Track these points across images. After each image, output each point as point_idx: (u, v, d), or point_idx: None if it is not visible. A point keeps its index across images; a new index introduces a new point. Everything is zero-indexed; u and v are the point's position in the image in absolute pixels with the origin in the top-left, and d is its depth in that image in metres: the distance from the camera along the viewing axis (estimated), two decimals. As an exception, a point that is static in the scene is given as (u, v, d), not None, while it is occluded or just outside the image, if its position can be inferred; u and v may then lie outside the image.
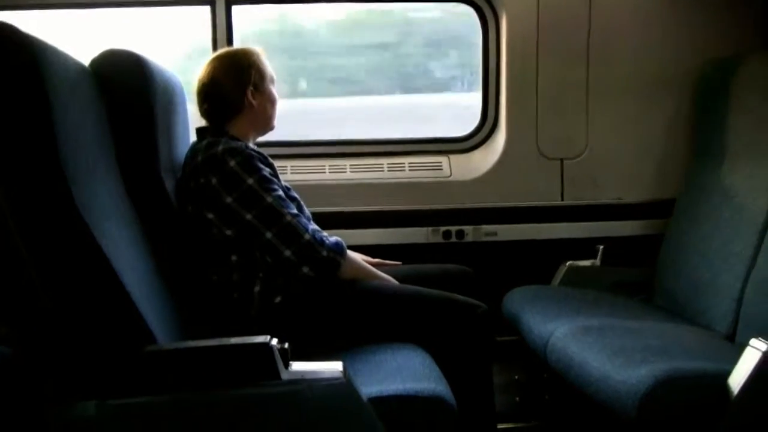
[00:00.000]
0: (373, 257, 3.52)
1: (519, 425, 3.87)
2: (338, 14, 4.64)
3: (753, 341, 2.34)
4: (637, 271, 4.05)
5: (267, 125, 3.36)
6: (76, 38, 3.96)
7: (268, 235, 2.92)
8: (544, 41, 4.10)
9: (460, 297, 3.10)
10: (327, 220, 3.40)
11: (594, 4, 4.08)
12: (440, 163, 4.25)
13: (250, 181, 2.95)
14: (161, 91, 2.95)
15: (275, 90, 3.35)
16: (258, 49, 3.34)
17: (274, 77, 3.35)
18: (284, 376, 2.13)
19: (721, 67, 3.82)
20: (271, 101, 3.32)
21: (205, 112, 3.26)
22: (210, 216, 2.97)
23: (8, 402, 2.24)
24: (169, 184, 3.01)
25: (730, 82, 3.67)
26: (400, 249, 3.88)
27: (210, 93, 3.23)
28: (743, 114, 3.58)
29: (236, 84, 3.22)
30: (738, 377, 2.35)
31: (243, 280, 2.99)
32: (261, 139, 3.41)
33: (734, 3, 4.10)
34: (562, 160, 4.18)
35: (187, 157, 3.13)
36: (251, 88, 3.23)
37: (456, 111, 4.82)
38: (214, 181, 2.95)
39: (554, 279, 4.08)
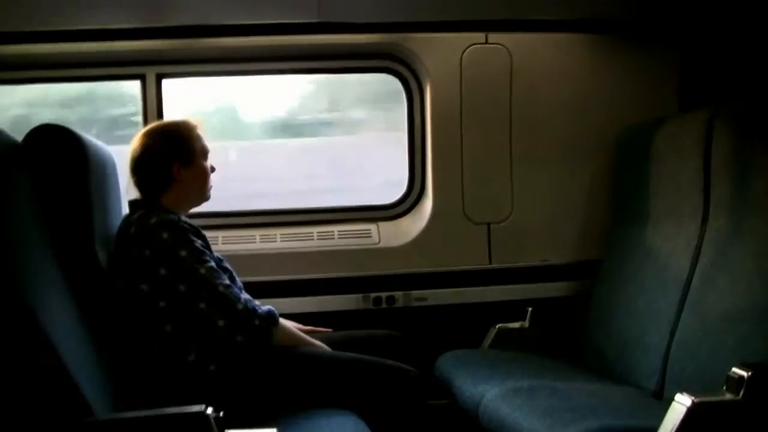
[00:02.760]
0: (305, 325, 3.53)
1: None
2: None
3: (678, 396, 2.37)
4: (565, 331, 4.11)
5: (199, 198, 3.37)
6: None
7: (202, 305, 2.93)
8: (468, 108, 4.19)
9: (393, 362, 3.12)
10: (259, 289, 3.40)
11: (515, 72, 4.19)
12: (369, 230, 4.30)
13: (183, 253, 2.96)
14: (94, 164, 2.95)
15: (209, 162, 3.36)
16: (192, 121, 3.36)
17: (208, 150, 3.36)
18: (220, 444, 2.13)
19: (640, 131, 3.91)
20: (201, 176, 3.31)
21: (136, 184, 3.26)
22: (143, 287, 2.97)
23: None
24: (102, 256, 3.01)
25: (648, 146, 3.76)
26: (332, 316, 3.90)
27: (140, 166, 3.24)
28: (663, 176, 3.65)
29: (165, 158, 3.22)
30: (665, 432, 2.40)
31: (177, 349, 2.98)
32: (192, 210, 3.42)
33: (651, 70, 4.23)
34: (488, 224, 4.25)
35: (120, 228, 3.13)
36: (179, 163, 3.24)
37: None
38: (147, 252, 2.96)
39: (484, 342, 4.10)
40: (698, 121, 3.45)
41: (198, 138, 3.32)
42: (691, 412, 2.33)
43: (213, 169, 3.37)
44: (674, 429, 2.35)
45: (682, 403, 2.36)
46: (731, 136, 3.25)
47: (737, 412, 2.37)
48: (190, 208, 3.38)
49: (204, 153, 3.34)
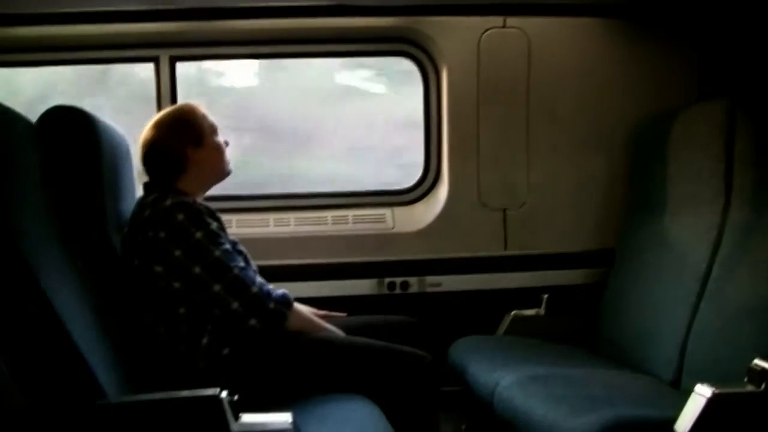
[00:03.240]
0: (320, 309, 3.51)
1: (466, 475, 3.88)
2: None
3: (698, 387, 2.35)
4: (581, 319, 4.08)
5: (220, 174, 3.36)
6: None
7: (216, 287, 2.92)
8: (485, 94, 4.17)
9: (407, 348, 3.11)
10: (272, 273, 3.38)
11: (533, 57, 4.16)
12: (384, 215, 4.28)
13: (198, 234, 2.95)
14: (107, 146, 2.96)
15: (220, 138, 3.34)
16: (193, 103, 3.36)
17: (216, 126, 3.34)
18: (234, 428, 2.10)
19: (658, 121, 3.88)
20: (216, 152, 3.31)
21: (149, 172, 3.26)
22: (158, 269, 2.96)
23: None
24: (116, 239, 3.01)
25: (666, 135, 3.73)
26: (346, 301, 3.87)
27: (152, 156, 3.24)
28: (681, 165, 3.63)
29: (176, 145, 3.21)
30: (684, 423, 2.35)
31: (190, 332, 2.97)
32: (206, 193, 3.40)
33: (669, 59, 4.20)
34: (504, 210, 4.23)
35: (134, 211, 3.12)
36: (191, 146, 3.23)
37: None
38: (162, 234, 2.94)
39: (499, 328, 4.10)
40: (719, 110, 3.42)
41: (204, 116, 3.31)
42: (711, 403, 2.31)
43: (227, 143, 3.37)
44: (694, 420, 2.33)
45: (702, 394, 2.33)
46: (753, 124, 3.23)
47: (758, 404, 2.34)
48: (209, 188, 3.37)
49: (213, 130, 3.33)
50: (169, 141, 3.22)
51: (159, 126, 3.27)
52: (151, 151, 3.23)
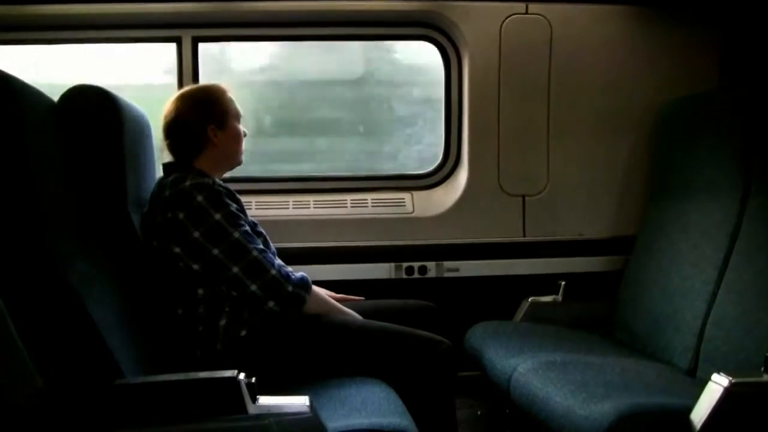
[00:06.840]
0: (337, 293, 3.52)
1: (482, 459, 3.89)
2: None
3: (715, 376, 2.35)
4: (598, 306, 4.07)
5: (233, 161, 3.36)
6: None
7: (235, 269, 2.93)
8: (506, 79, 4.15)
9: (424, 333, 3.11)
10: (291, 256, 3.40)
11: (555, 43, 4.14)
12: (403, 199, 4.28)
13: (218, 216, 2.95)
14: (129, 125, 2.96)
15: (241, 126, 3.35)
16: (223, 85, 3.35)
17: (240, 113, 3.35)
18: (251, 410, 2.10)
19: (679, 106, 3.87)
20: (235, 138, 3.31)
21: (170, 148, 3.26)
22: (177, 250, 2.97)
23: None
24: (136, 219, 3.01)
25: (687, 121, 3.72)
26: (364, 284, 3.89)
27: (174, 130, 3.24)
28: (701, 152, 3.61)
29: (199, 121, 3.22)
30: (700, 412, 2.36)
31: (209, 313, 2.98)
32: (225, 174, 3.41)
33: (691, 44, 4.18)
34: (523, 196, 4.22)
35: (153, 191, 3.13)
36: (214, 125, 3.23)
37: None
38: (181, 215, 2.95)
39: (516, 314, 4.09)
40: (740, 97, 3.41)
41: (230, 101, 3.32)
42: (728, 392, 2.31)
43: (245, 134, 3.37)
44: (710, 409, 2.33)
45: (719, 383, 2.34)
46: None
47: (776, 394, 2.35)
48: (224, 172, 3.37)
49: (237, 116, 3.34)
50: (192, 115, 3.23)
51: (186, 98, 3.28)
52: (174, 122, 3.24)
